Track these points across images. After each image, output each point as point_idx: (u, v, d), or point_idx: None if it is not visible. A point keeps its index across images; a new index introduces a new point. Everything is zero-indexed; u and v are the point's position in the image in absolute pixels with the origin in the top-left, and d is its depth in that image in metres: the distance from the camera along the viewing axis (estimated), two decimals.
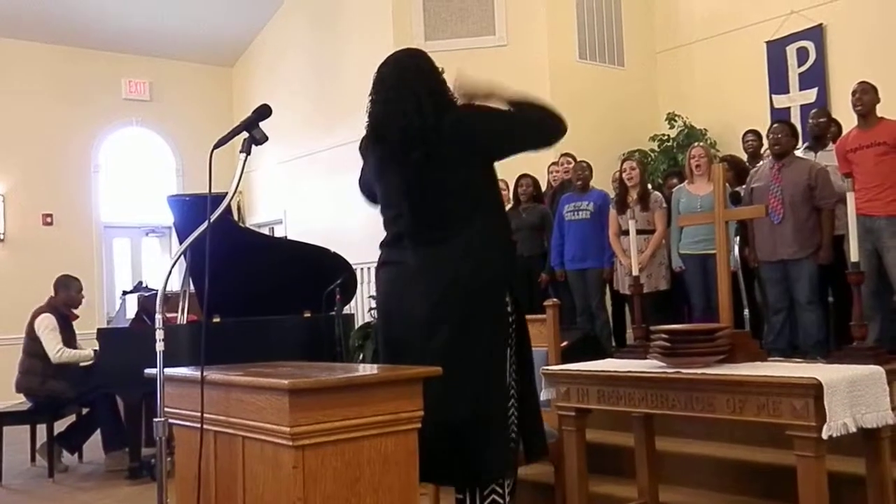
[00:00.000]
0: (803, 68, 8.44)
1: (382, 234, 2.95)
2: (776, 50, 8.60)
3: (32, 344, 6.08)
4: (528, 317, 4.13)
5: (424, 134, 2.66)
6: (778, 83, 8.60)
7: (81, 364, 6.08)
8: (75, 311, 6.39)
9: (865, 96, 5.18)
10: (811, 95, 8.33)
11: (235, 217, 9.40)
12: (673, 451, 3.93)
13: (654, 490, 3.45)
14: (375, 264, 2.91)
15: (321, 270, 5.49)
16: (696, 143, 6.94)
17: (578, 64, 9.15)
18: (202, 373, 2.30)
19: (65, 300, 6.27)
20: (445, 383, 2.35)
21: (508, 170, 7.59)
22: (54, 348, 5.99)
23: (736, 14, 8.88)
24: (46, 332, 6.02)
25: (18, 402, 6.24)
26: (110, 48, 10.39)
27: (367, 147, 2.91)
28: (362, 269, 7.19)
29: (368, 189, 3.00)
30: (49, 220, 9.68)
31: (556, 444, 3.71)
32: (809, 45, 8.37)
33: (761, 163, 6.13)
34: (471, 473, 2.61)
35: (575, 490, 3.20)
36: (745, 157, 6.87)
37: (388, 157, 2.78)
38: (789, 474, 2.59)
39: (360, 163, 3.03)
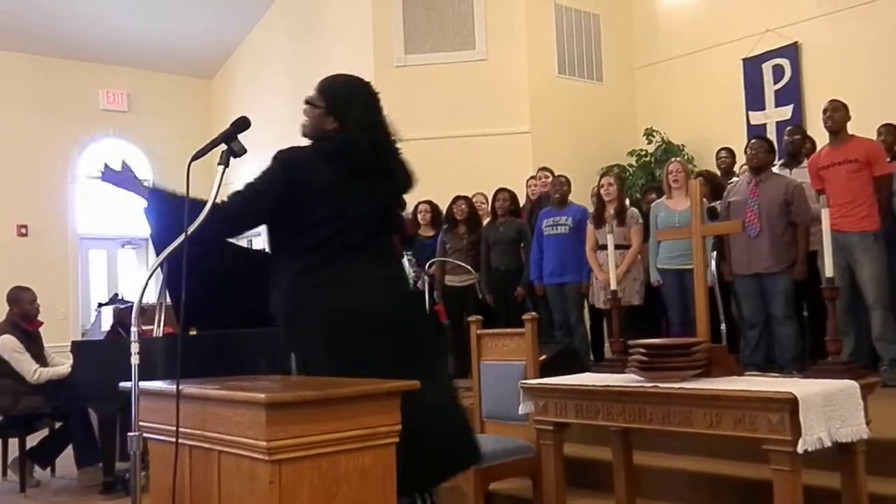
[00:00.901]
0: (779, 85, 8.55)
1: None
2: (752, 67, 8.70)
3: (1, 365, 5.93)
4: (507, 330, 4.16)
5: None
6: (754, 100, 8.70)
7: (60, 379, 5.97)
8: (37, 320, 6.26)
9: (836, 114, 5.25)
10: (787, 112, 8.44)
11: None
12: (651, 465, 3.93)
13: None
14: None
15: None
16: (673, 159, 7.00)
17: (558, 79, 9.21)
18: (178, 386, 2.27)
19: (19, 314, 6.12)
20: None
21: (486, 184, 7.66)
22: (29, 371, 5.83)
23: (713, 31, 8.98)
24: (14, 355, 5.83)
25: None
26: (89, 58, 10.33)
27: (324, 162, 2.91)
28: None
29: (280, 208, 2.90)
30: (24, 230, 9.58)
31: (533, 458, 3.70)
32: (785, 62, 8.49)
33: (738, 178, 6.19)
34: None
35: None
36: (718, 173, 6.94)
37: (364, 172, 2.86)
38: (765, 488, 2.61)
39: None
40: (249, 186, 2.86)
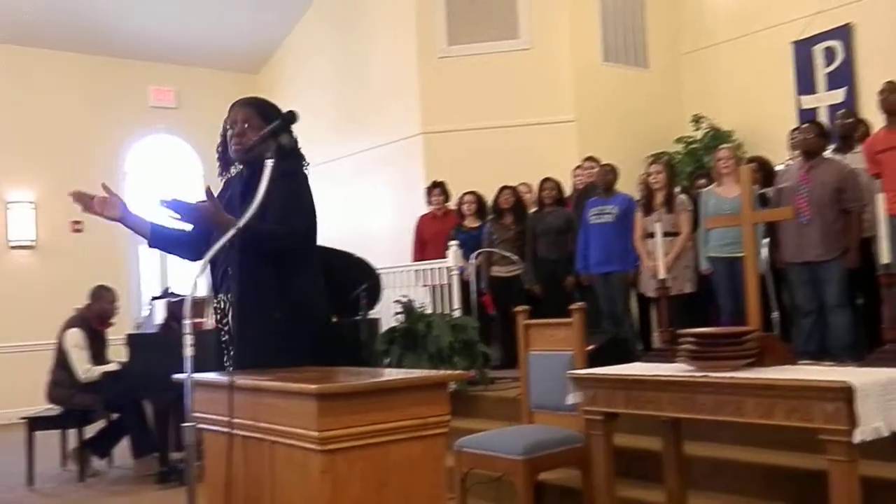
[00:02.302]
0: (831, 68, 8.36)
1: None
2: (803, 50, 8.52)
3: (62, 355, 6.14)
4: (554, 320, 4.15)
5: None
6: (805, 83, 8.52)
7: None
8: (109, 322, 6.45)
9: (892, 95, 5.12)
10: (839, 95, 8.24)
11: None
12: (702, 455, 3.89)
13: (682, 495, 3.43)
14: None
15: (346, 275, 5.51)
16: (722, 146, 6.89)
17: (603, 66, 9.13)
18: (231, 377, 2.31)
19: (98, 311, 6.33)
20: None
21: (531, 174, 7.63)
22: (82, 367, 6.04)
23: (762, 14, 8.81)
24: (75, 350, 6.06)
25: (49, 407, 6.32)
26: (136, 56, 10.50)
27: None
28: (386, 273, 7.21)
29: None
30: (78, 227, 9.78)
31: (583, 448, 3.70)
32: (837, 44, 8.29)
33: (789, 163, 6.07)
34: None
35: (603, 494, 3.18)
36: (785, 155, 6.71)
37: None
38: (821, 479, 2.57)
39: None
40: (307, 203, 3.00)
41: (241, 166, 3.07)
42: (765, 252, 5.57)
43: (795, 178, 5.38)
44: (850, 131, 5.98)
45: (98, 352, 6.24)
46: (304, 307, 2.86)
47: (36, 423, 6.15)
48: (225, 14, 10.23)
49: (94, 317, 6.32)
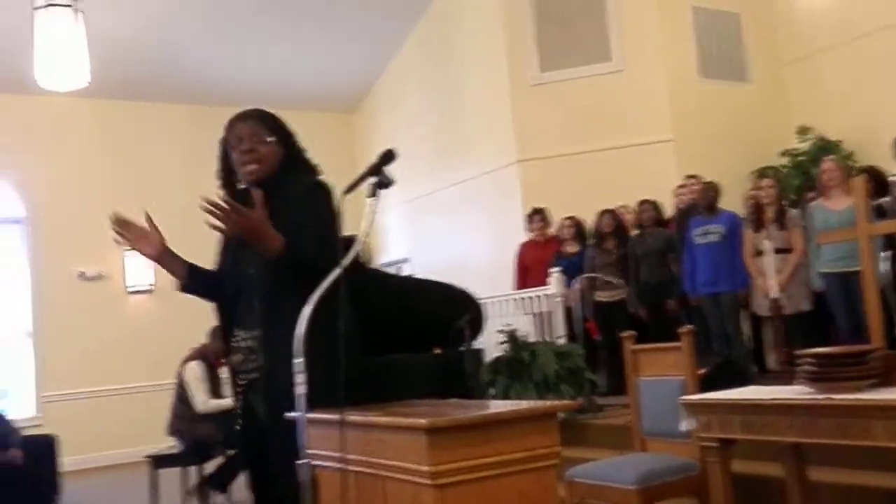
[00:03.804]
0: None
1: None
2: None
3: (181, 389, 6.43)
4: (662, 345, 4.05)
5: None
6: None
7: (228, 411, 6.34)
8: (223, 360, 6.69)
9: None
10: None
11: (364, 259, 9.62)
12: (828, 480, 3.72)
13: None
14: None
15: (449, 306, 5.53)
16: (826, 157, 6.65)
17: (699, 82, 8.95)
18: (341, 414, 2.34)
19: (214, 349, 6.58)
20: None
21: (629, 196, 7.52)
22: (200, 398, 6.30)
23: (866, 17, 8.46)
24: (194, 381, 6.35)
25: (171, 445, 6.56)
26: (237, 104, 10.87)
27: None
28: (487, 303, 7.22)
29: None
30: None
31: (699, 476, 3.58)
32: None
33: None
34: None
35: None
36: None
37: None
38: None
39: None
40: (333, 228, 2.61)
41: (244, 187, 2.83)
42: (884, 265, 5.30)
43: None
44: None
45: (215, 387, 6.48)
46: (335, 342, 2.38)
47: (159, 461, 6.38)
48: (321, 57, 10.54)
49: (212, 354, 6.58)
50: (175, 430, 6.46)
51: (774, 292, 3.41)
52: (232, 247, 2.94)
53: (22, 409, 9.11)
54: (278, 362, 2.51)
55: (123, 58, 9.39)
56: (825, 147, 8.38)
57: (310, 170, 2.89)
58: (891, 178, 5.98)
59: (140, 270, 10.22)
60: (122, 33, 9.14)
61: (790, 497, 3.29)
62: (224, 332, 2.94)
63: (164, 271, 2.95)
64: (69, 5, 7.74)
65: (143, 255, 2.81)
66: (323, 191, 2.77)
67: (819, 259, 5.72)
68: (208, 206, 2.47)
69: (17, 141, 9.86)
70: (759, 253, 5.88)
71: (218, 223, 2.52)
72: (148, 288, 10.27)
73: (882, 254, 5.27)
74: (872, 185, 5.80)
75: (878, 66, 8.39)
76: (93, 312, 9.94)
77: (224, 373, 6.71)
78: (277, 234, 2.50)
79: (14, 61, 8.60)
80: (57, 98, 9.13)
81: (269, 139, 2.80)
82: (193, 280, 2.89)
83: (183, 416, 6.39)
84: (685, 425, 3.15)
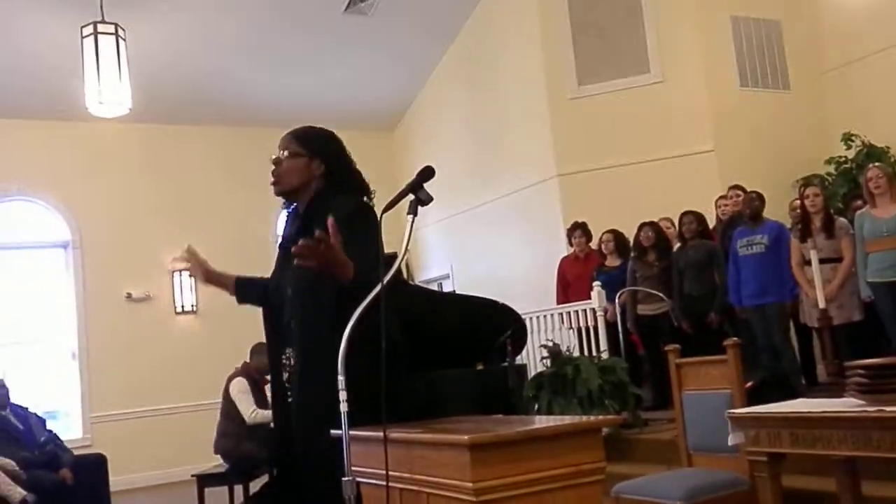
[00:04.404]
0: None
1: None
2: None
3: (228, 406, 6.51)
4: (708, 358, 4.00)
5: None
6: None
7: (272, 425, 6.40)
8: (267, 376, 6.78)
9: None
10: None
11: (404, 275, 9.65)
12: (882, 496, 3.63)
13: None
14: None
15: (491, 322, 5.53)
16: (871, 164, 6.53)
17: (740, 92, 8.85)
18: (385, 431, 2.35)
19: (256, 366, 6.67)
20: None
21: (672, 208, 7.44)
22: (248, 410, 6.40)
23: None
24: (240, 395, 6.45)
25: (217, 464, 6.62)
26: (280, 125, 11.01)
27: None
28: (529, 318, 7.19)
29: None
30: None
31: (749, 491, 3.52)
32: None
33: None
34: None
35: None
36: None
37: None
38: None
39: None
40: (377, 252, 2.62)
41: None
42: None
43: None
44: None
45: (259, 402, 6.55)
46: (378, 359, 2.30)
47: (205, 480, 6.45)
48: (360, 77, 10.63)
49: (254, 370, 6.66)
50: (220, 448, 6.53)
51: (823, 303, 3.35)
52: (279, 264, 2.99)
53: (70, 430, 9.27)
54: (313, 382, 2.60)
55: (164, 83, 9.58)
56: (871, 154, 8.23)
57: (354, 189, 2.90)
58: None
59: (186, 292, 10.38)
60: (163, 60, 9.33)
61: None
62: (270, 347, 2.99)
63: (207, 292, 3.12)
64: (113, 33, 7.94)
65: (197, 279, 3.09)
66: (363, 214, 2.78)
67: (867, 268, 5.61)
68: (298, 250, 2.38)
69: (64, 166, 10.10)
70: (806, 263, 5.79)
71: (308, 262, 2.43)
72: (192, 309, 10.42)
73: None
74: None
75: None
76: (140, 333, 10.11)
77: (268, 389, 6.79)
78: (349, 261, 2.46)
79: (62, 90, 8.83)
80: (102, 123, 9.35)
81: (293, 154, 2.85)
82: (243, 293, 3.08)
83: (229, 434, 6.46)
84: (733, 439, 3.09)
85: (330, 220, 2.45)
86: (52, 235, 10.15)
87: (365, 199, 2.90)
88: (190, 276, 3.26)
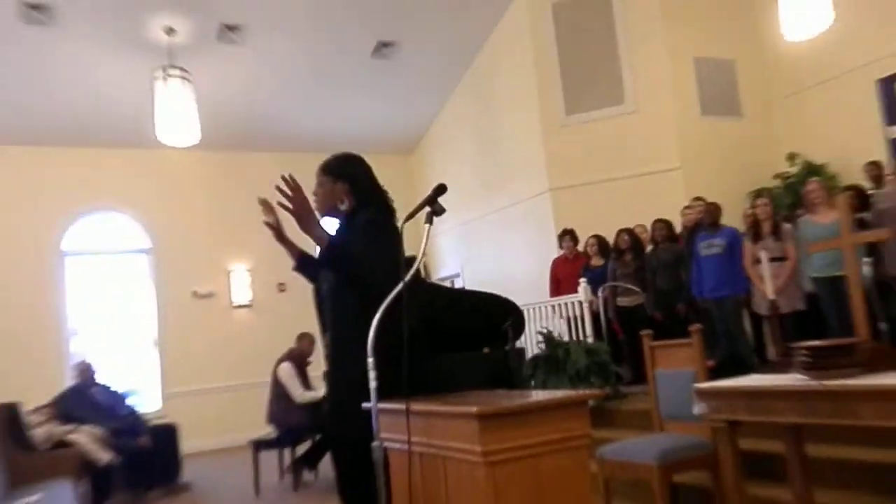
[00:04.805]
0: None
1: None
2: (887, 86, 7.91)
3: (277, 386, 6.52)
4: (676, 341, 3.99)
5: None
6: (891, 116, 7.89)
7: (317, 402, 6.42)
8: (309, 359, 6.80)
9: None
10: None
11: (423, 274, 9.65)
12: (824, 456, 3.60)
13: (808, 493, 3.17)
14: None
15: (495, 312, 5.51)
16: (811, 179, 6.51)
17: (702, 119, 8.80)
18: (407, 404, 2.35)
19: (300, 351, 6.70)
20: None
21: (645, 217, 7.42)
22: (297, 392, 6.42)
23: (845, 58, 8.26)
24: (289, 379, 6.46)
25: (269, 431, 6.64)
26: (319, 150, 11.02)
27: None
28: (527, 309, 7.17)
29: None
30: (283, 287, 10.33)
31: (711, 453, 3.51)
32: None
33: (886, 187, 5.63)
34: None
35: (733, 493, 2.99)
36: (867, 184, 6.34)
37: None
38: None
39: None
40: (389, 251, 2.66)
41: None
42: (866, 269, 5.14)
43: (893, 199, 4.98)
44: None
45: (304, 382, 6.58)
46: (401, 344, 2.29)
47: (259, 445, 6.47)
48: (384, 110, 10.64)
49: (299, 355, 6.68)
50: (272, 418, 6.55)
51: (772, 294, 3.32)
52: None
53: (151, 404, 9.33)
54: (342, 363, 2.66)
55: (223, 117, 9.62)
56: (812, 170, 8.18)
57: (376, 204, 2.91)
58: (870, 194, 5.83)
59: (242, 289, 10.41)
60: (223, 96, 9.37)
61: (790, 470, 3.20)
62: (321, 333, 2.99)
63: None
64: (178, 76, 7.98)
65: (273, 232, 2.96)
66: (375, 224, 2.81)
67: (810, 266, 5.57)
68: (285, 180, 2.56)
69: (143, 186, 10.16)
70: (757, 261, 5.76)
71: (286, 202, 2.56)
72: (247, 303, 10.45)
73: (864, 259, 5.12)
74: (857, 201, 5.65)
75: (853, 101, 8.18)
76: (204, 324, 10.16)
77: (312, 370, 6.81)
78: (323, 229, 2.55)
79: (139, 122, 8.89)
80: (173, 151, 9.40)
81: (321, 182, 2.95)
82: (302, 264, 3.02)
83: (279, 407, 6.48)
84: (698, 409, 3.08)
85: (288, 175, 2.55)
86: (135, 243, 10.20)
87: (388, 211, 2.91)
88: (267, 224, 3.00)
